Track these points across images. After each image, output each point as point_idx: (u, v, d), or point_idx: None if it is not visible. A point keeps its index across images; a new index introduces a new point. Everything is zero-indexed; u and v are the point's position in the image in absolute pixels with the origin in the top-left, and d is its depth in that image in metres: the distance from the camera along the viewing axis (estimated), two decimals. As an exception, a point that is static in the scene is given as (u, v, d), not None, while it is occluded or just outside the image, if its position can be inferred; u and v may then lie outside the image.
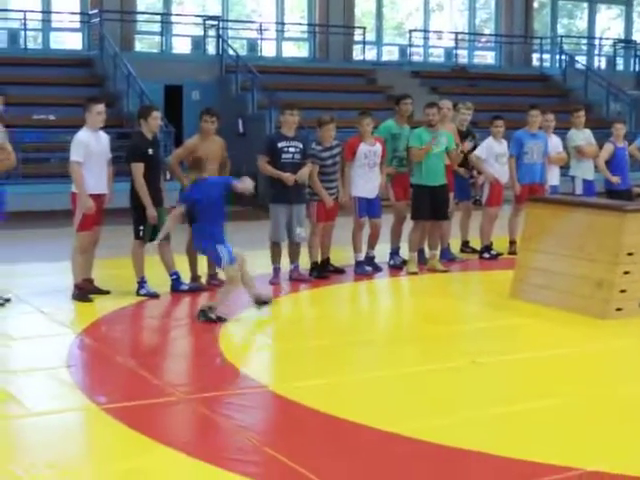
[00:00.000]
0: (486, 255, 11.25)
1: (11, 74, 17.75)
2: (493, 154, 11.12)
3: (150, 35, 22.71)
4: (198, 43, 21.82)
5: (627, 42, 27.92)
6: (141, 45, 22.47)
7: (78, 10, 21.25)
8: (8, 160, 8.73)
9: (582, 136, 11.93)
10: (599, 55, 27.88)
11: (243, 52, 21.72)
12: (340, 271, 10.13)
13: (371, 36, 24.71)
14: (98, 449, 5.13)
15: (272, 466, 4.78)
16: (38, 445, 5.10)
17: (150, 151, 8.82)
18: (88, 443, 5.34)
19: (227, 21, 22.66)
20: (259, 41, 22.99)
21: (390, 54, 25.42)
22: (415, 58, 24.87)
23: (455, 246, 11.38)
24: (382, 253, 10.52)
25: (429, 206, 10.05)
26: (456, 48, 25.40)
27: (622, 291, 8.06)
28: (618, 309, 8.07)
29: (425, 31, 25.52)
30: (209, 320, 7.78)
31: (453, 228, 11.13)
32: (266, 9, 24.16)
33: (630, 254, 8.06)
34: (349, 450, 5.01)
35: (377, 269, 10.30)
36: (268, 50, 23.12)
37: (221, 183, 8.22)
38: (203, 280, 9.32)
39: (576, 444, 5.14)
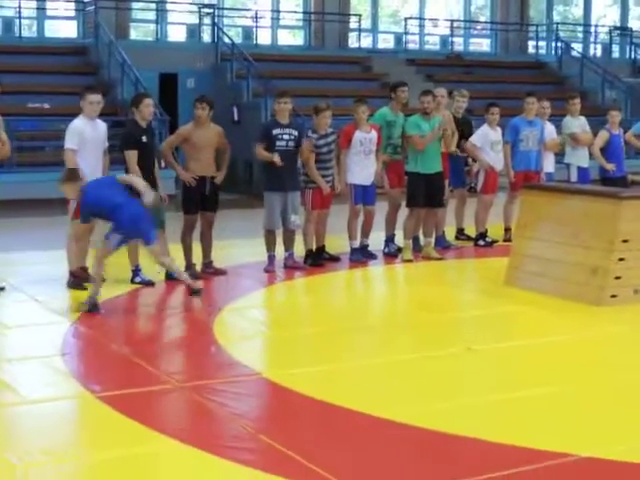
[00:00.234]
0: (481, 242, 11.26)
1: (6, 62, 17.66)
2: (488, 141, 11.11)
3: (145, 23, 22.62)
4: (193, 31, 21.78)
5: (623, 29, 27.87)
6: (136, 33, 22.39)
7: (73, -2, 21.20)
8: (3, 149, 8.71)
9: (577, 123, 11.94)
10: (595, 42, 27.81)
11: (238, 40, 21.65)
12: (335, 259, 10.13)
13: (366, 24, 24.63)
14: (93, 437, 5.12)
15: (267, 453, 4.78)
16: (33, 432, 5.10)
17: (144, 139, 8.80)
18: (83, 431, 5.33)
19: (222, 9, 22.59)
20: (254, 29, 22.88)
21: (385, 42, 25.36)
22: (411, 46, 24.85)
23: (450, 233, 11.38)
24: (377, 241, 10.52)
25: (424, 193, 10.05)
26: (451, 35, 25.35)
27: (617, 278, 8.07)
28: (613, 296, 8.07)
29: (420, 19, 25.46)
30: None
31: (448, 216, 11.12)
32: (261, -3, 24.13)
33: (625, 241, 8.06)
34: (344, 437, 5.01)
35: (372, 257, 10.31)
36: (263, 38, 23.03)
37: (100, 180, 8.25)
38: (198, 268, 9.31)
39: (571, 430, 5.14)
